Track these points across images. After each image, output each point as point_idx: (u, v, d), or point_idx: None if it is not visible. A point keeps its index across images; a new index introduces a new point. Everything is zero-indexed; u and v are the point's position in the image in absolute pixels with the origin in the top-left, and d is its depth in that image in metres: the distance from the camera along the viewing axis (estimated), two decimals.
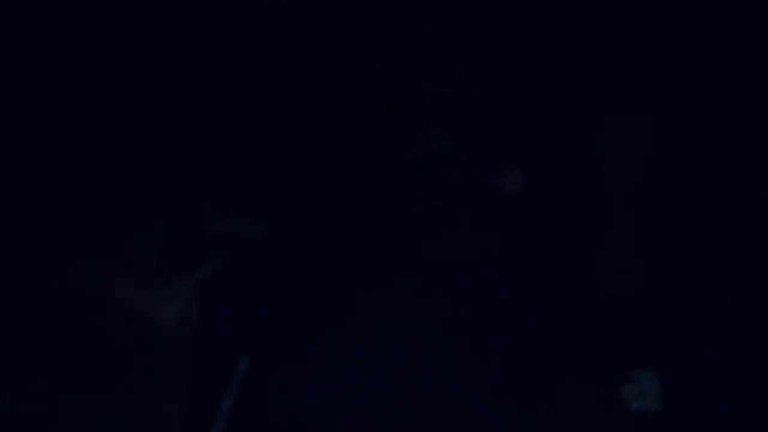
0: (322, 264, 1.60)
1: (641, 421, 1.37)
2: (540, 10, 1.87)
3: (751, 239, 1.83)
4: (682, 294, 1.82)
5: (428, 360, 1.37)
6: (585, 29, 1.89)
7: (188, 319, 1.68)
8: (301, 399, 1.43)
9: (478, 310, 1.46)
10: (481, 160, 1.70)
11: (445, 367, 1.38)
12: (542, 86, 1.86)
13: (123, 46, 1.85)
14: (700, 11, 1.83)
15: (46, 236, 1.80)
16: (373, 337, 1.40)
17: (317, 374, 1.44)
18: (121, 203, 1.78)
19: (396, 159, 1.64)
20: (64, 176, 1.81)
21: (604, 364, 1.49)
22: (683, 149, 1.87)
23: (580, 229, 1.86)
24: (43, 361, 1.71)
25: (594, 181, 1.87)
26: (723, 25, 1.83)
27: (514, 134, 1.79)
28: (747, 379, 1.73)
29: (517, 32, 1.82)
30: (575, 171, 1.87)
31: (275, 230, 1.67)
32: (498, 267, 1.56)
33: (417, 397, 1.36)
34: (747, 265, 1.82)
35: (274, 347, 1.54)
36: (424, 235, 1.53)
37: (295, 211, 1.66)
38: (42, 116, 1.85)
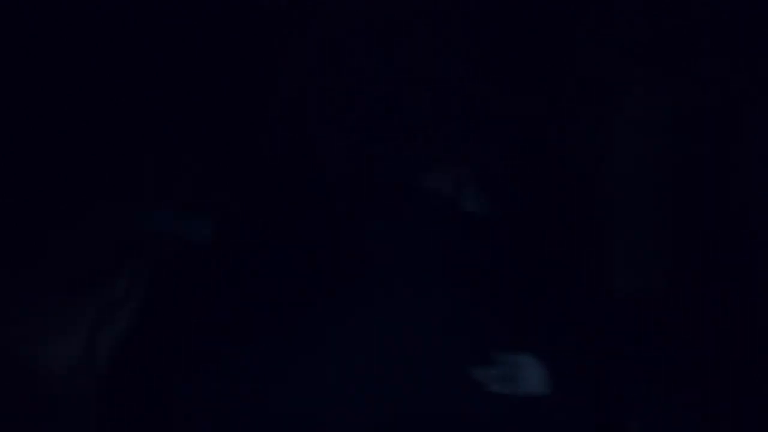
0: (322, 264, 1.60)
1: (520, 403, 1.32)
2: (540, 10, 1.87)
3: (751, 239, 1.83)
4: (683, 295, 1.82)
5: (428, 360, 1.37)
6: (585, 29, 1.89)
7: (93, 364, 1.16)
8: (300, 399, 1.43)
9: (478, 310, 1.46)
10: (479, 161, 1.69)
11: (445, 367, 1.38)
12: (542, 86, 1.86)
13: (123, 46, 1.85)
14: (700, 11, 1.83)
15: None
16: (374, 337, 1.40)
17: (316, 375, 1.44)
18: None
19: (396, 159, 1.64)
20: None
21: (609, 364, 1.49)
22: (684, 148, 1.87)
23: (581, 229, 1.87)
24: None
25: (594, 182, 1.87)
26: (723, 25, 1.83)
27: (514, 134, 1.79)
28: (747, 380, 1.72)
29: (517, 32, 1.82)
30: (576, 171, 1.87)
31: (275, 230, 1.67)
32: (498, 267, 1.56)
33: (417, 396, 1.36)
34: (747, 265, 1.82)
35: (273, 348, 1.53)
36: (425, 235, 1.53)
37: (295, 211, 1.66)
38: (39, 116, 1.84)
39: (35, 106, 1.56)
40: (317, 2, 1.66)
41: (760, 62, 1.82)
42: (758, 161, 1.82)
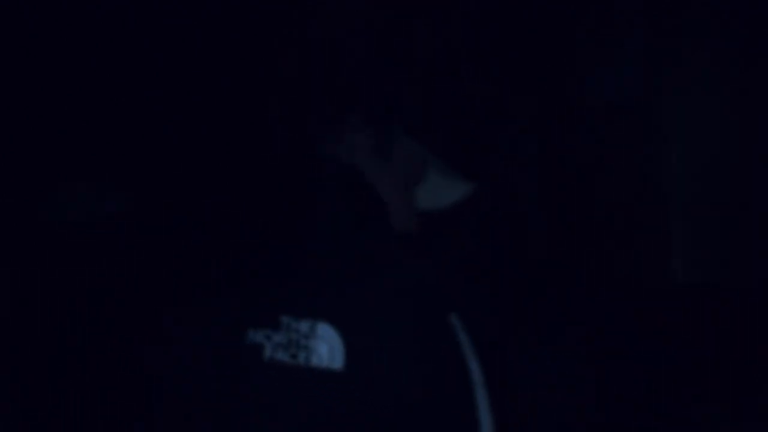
0: (322, 263, 1.59)
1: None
2: (540, 10, 1.87)
3: (751, 239, 1.83)
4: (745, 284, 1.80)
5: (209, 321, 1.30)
6: (585, 29, 1.89)
7: None
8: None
9: (487, 310, 1.45)
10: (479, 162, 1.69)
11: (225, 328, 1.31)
12: (542, 86, 1.86)
13: (123, 46, 1.85)
14: (700, 11, 1.83)
15: None
16: (375, 337, 1.39)
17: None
18: None
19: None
20: None
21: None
22: (683, 147, 1.87)
23: (581, 228, 1.87)
24: None
25: (595, 182, 1.87)
26: (723, 25, 1.83)
27: (515, 134, 1.79)
28: (747, 380, 1.72)
29: (517, 32, 1.82)
30: (575, 171, 1.87)
31: (275, 230, 1.66)
32: (505, 268, 1.55)
33: (199, 360, 1.30)
34: (746, 265, 1.82)
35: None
36: (428, 234, 1.52)
37: (295, 211, 1.65)
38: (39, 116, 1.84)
39: None
40: (317, 2, 1.66)
41: (760, 62, 1.82)
42: (758, 161, 1.82)
